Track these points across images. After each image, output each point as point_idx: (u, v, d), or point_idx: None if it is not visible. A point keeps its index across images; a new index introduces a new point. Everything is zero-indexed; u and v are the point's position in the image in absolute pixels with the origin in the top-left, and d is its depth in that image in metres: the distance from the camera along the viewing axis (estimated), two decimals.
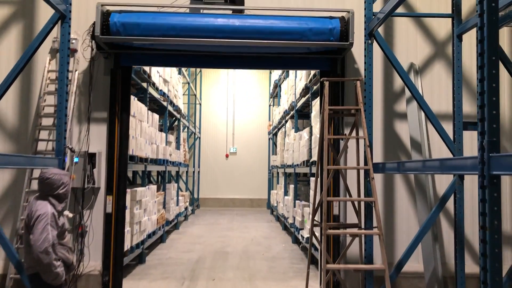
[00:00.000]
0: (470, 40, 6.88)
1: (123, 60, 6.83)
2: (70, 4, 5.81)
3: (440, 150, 6.77)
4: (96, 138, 6.76)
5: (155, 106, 12.83)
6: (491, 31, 3.14)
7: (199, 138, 22.57)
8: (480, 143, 3.19)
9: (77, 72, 6.75)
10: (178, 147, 15.88)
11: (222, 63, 6.95)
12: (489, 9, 3.14)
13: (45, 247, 4.05)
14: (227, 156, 23.34)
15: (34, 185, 6.60)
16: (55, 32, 6.43)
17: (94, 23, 6.44)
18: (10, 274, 6.21)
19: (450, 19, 6.52)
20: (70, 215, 6.04)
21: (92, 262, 6.62)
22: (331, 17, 6.42)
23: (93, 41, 6.66)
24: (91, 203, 6.70)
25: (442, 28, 7.13)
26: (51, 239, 4.12)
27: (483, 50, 3.17)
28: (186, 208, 17.28)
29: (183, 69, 16.99)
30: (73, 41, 6.56)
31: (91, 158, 6.61)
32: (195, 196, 21.73)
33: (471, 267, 6.68)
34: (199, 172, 22.33)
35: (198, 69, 21.68)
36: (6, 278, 6.24)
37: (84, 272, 6.54)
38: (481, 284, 3.17)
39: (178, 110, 15.13)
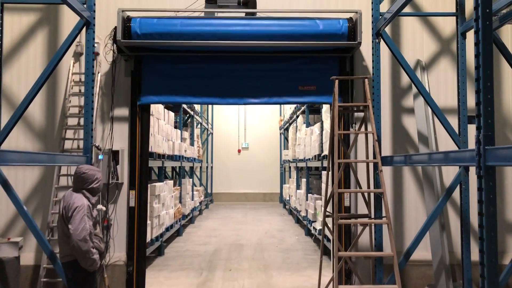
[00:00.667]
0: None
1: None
2: (94, 11, 6.18)
3: (446, 143, 7.05)
4: (118, 136, 7.17)
5: (170, 104, 13.22)
6: (485, 35, 3.44)
7: (212, 134, 22.98)
8: (477, 137, 3.50)
9: (99, 74, 7.15)
10: (192, 143, 16.29)
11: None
12: (484, 15, 3.44)
13: (84, 236, 4.47)
14: (239, 151, 23.73)
15: (63, 181, 7.03)
16: (78, 36, 6.80)
17: (115, 28, 6.83)
18: (43, 264, 6.65)
19: (454, 18, 6.79)
20: (104, 208, 6.48)
21: (117, 253, 7.03)
22: (340, 19, 6.74)
23: (115, 45, 7.05)
24: (115, 198, 7.11)
25: (448, 26, 7.40)
26: (88, 228, 4.53)
27: (479, 52, 3.48)
28: (200, 203, 17.71)
29: None
30: (96, 44, 6.93)
31: (114, 155, 7.02)
32: (209, 191, 22.16)
33: (477, 254, 6.94)
34: (212, 167, 22.76)
35: None
36: (39, 268, 6.68)
37: (110, 262, 6.95)
38: (479, 265, 3.49)
39: (191, 107, 15.52)
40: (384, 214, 6.05)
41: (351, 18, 6.77)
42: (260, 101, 7.30)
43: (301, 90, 7.27)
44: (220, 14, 7.22)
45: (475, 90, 3.54)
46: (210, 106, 22.77)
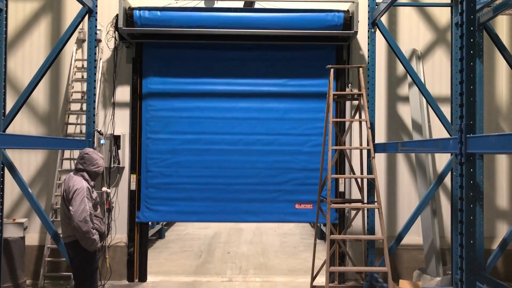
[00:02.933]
0: None
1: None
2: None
3: (440, 131, 7.20)
4: (120, 122, 7.36)
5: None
6: (469, 28, 3.60)
7: None
8: (459, 126, 3.68)
9: (101, 61, 7.31)
10: None
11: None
12: (468, 9, 3.59)
13: (84, 217, 4.68)
14: None
15: (66, 165, 7.25)
16: (80, 23, 6.96)
17: (117, 15, 6.98)
18: (47, 244, 6.90)
19: (450, 8, 6.91)
20: (109, 190, 6.71)
21: (119, 235, 7.28)
22: (337, 11, 6.93)
23: (116, 32, 7.21)
24: (116, 181, 7.33)
25: (443, 15, 7.51)
26: (88, 210, 4.75)
27: (463, 45, 3.64)
28: None
29: None
30: (98, 31, 7.07)
31: (116, 140, 7.22)
32: None
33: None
34: None
35: None
36: (43, 248, 6.93)
37: (112, 243, 7.20)
38: (458, 246, 3.69)
39: None
40: (376, 199, 6.25)
41: (348, 10, 6.92)
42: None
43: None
44: (219, 3, 7.36)
45: (459, 81, 3.71)
46: None
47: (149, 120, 7.36)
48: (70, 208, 4.76)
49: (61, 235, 5.35)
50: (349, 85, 7.33)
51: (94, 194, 5.06)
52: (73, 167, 7.16)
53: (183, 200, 7.32)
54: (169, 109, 7.38)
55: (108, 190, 6.86)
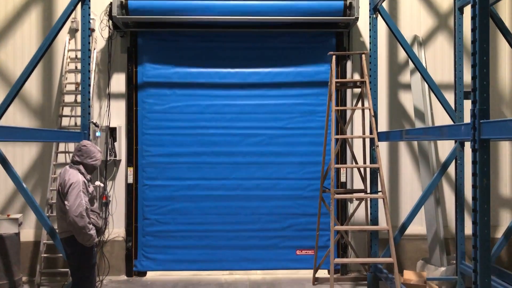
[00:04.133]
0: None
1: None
2: None
3: (442, 119, 7.09)
4: (116, 113, 7.17)
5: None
6: (482, 8, 3.45)
7: None
8: (472, 111, 3.54)
9: (95, 51, 7.11)
10: None
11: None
12: None
13: (80, 211, 4.51)
14: None
15: (61, 158, 7.06)
16: (73, 12, 6.72)
17: (110, 3, 6.77)
18: (43, 240, 6.73)
19: None
20: (102, 185, 6.54)
21: (116, 229, 7.12)
22: None
23: (110, 21, 7.00)
24: (113, 175, 7.15)
25: (445, 1, 7.36)
26: (84, 204, 4.58)
27: (475, 26, 3.49)
28: None
29: None
30: (91, 21, 6.85)
31: (112, 132, 7.03)
32: None
33: (471, 228, 7.07)
34: None
35: None
36: (39, 244, 6.76)
37: (109, 238, 7.04)
38: (472, 236, 3.57)
39: None
40: (379, 189, 6.13)
41: None
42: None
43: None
44: None
45: (471, 64, 3.56)
46: None
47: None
48: (66, 202, 4.59)
49: (57, 231, 5.19)
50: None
51: (91, 188, 4.89)
52: (68, 160, 6.99)
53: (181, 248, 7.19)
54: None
55: (102, 185, 6.69)
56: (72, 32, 7.17)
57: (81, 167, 4.82)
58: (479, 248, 3.45)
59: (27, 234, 6.98)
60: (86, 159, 4.85)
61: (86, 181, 4.79)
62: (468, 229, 6.63)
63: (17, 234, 6.40)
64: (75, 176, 4.71)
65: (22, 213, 6.83)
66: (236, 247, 7.17)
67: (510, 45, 6.49)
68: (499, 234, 7.12)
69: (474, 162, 3.54)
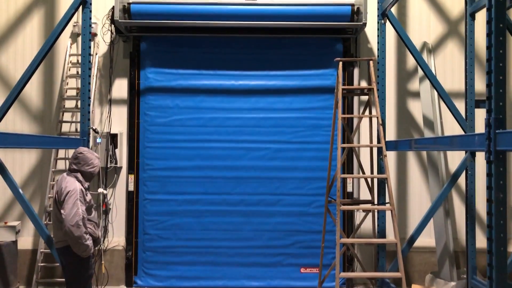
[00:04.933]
0: (483, 18, 6.84)
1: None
2: None
3: (452, 128, 6.88)
4: (117, 119, 7.02)
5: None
6: (498, 12, 3.26)
7: None
8: (487, 120, 3.34)
9: (97, 56, 6.98)
10: None
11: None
12: None
13: (76, 221, 4.35)
14: None
15: (60, 165, 6.91)
16: (75, 16, 6.62)
17: (113, 8, 6.64)
18: (40, 249, 6.57)
19: None
20: (105, 191, 6.38)
21: (116, 238, 6.94)
22: (345, 4, 6.59)
23: (113, 25, 6.87)
24: (113, 182, 6.99)
25: (455, 6, 7.17)
26: (81, 214, 4.41)
27: (491, 31, 3.30)
28: None
29: None
30: (93, 25, 6.73)
31: (113, 138, 6.88)
32: None
33: (482, 241, 6.82)
34: None
35: None
36: (37, 253, 6.60)
37: (109, 247, 6.87)
38: (487, 254, 3.36)
39: None
40: (387, 200, 5.92)
41: (353, 4, 6.59)
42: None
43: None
44: None
45: (486, 71, 3.37)
46: None
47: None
48: (62, 211, 4.43)
49: (53, 240, 5.04)
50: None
51: (88, 197, 4.72)
52: (67, 167, 6.83)
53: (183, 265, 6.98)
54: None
55: (105, 191, 6.53)
56: (74, 36, 7.06)
57: (78, 175, 4.67)
58: (495, 266, 3.24)
59: (25, 242, 6.83)
60: (83, 166, 4.69)
61: (83, 189, 4.62)
62: (479, 242, 6.45)
63: (15, 242, 6.27)
64: (72, 184, 4.55)
65: (20, 221, 6.68)
66: (238, 264, 6.95)
67: None
68: (510, 248, 6.87)
69: (489, 175, 3.34)
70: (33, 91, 7.01)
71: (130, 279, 6.90)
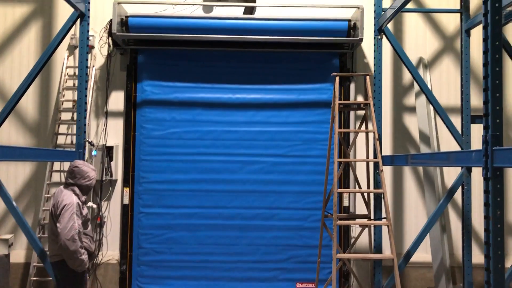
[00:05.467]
0: (478, 35, 6.87)
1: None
2: (89, 3, 5.99)
3: (448, 143, 6.90)
4: (113, 132, 7.00)
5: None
6: (494, 30, 3.29)
7: None
8: (484, 137, 3.35)
9: (94, 68, 6.97)
10: None
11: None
12: (493, 9, 3.29)
13: (72, 235, 4.30)
14: None
15: (55, 177, 6.86)
16: (73, 29, 6.62)
17: (111, 20, 6.66)
18: (33, 263, 6.48)
19: (458, 14, 6.63)
20: (94, 206, 6.31)
21: (110, 251, 6.87)
22: (342, 19, 6.67)
23: (110, 38, 6.88)
24: (108, 195, 6.94)
25: (451, 23, 7.24)
26: (77, 227, 4.37)
27: (487, 49, 3.32)
28: None
29: None
30: (90, 37, 6.73)
31: (108, 151, 6.85)
32: None
33: (478, 257, 6.81)
34: None
35: None
36: (30, 267, 6.51)
37: (103, 261, 6.79)
38: (484, 271, 3.34)
39: None
40: (384, 215, 5.90)
41: (350, 20, 6.66)
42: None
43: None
44: (218, 9, 7.05)
45: (483, 88, 3.39)
46: None
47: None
48: (58, 225, 4.39)
49: (48, 253, 4.97)
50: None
51: (85, 211, 4.69)
52: (63, 179, 6.80)
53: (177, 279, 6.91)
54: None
55: (94, 206, 6.47)
56: (71, 48, 7.06)
57: (75, 188, 4.64)
58: (493, 284, 3.22)
59: (18, 255, 6.74)
60: (80, 180, 4.66)
61: (80, 203, 4.59)
62: (475, 258, 6.43)
63: (7, 256, 6.16)
64: (69, 198, 4.52)
65: (13, 234, 6.60)
66: (234, 278, 6.88)
67: None
68: (508, 263, 6.85)
69: (486, 192, 3.33)
70: (29, 103, 6.99)
71: None
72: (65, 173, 4.84)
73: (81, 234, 4.47)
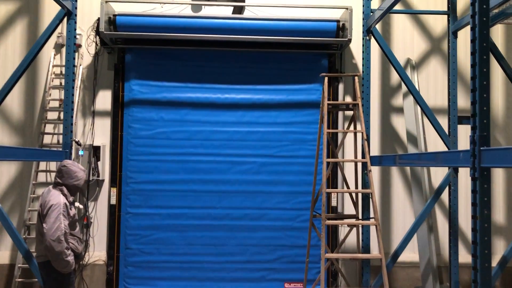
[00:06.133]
0: (465, 36, 7.03)
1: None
2: (76, 1, 5.93)
3: (435, 143, 6.96)
4: (100, 132, 6.93)
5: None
6: (482, 31, 3.32)
7: None
8: (471, 138, 3.37)
9: (81, 67, 6.90)
10: None
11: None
12: (481, 11, 3.32)
13: (58, 236, 4.24)
14: None
15: (41, 177, 6.77)
16: (60, 27, 6.55)
17: (98, 19, 6.60)
18: (18, 264, 6.39)
19: (446, 16, 6.69)
20: (81, 206, 6.24)
21: (97, 252, 6.80)
22: (330, 20, 6.68)
23: (98, 37, 6.81)
24: (95, 195, 6.87)
25: (438, 24, 7.30)
26: (63, 228, 4.31)
27: (475, 50, 3.35)
28: None
29: None
30: (78, 36, 6.66)
31: (95, 151, 6.78)
32: None
33: (465, 256, 6.89)
34: None
35: None
36: (15, 268, 6.41)
37: (90, 262, 6.72)
38: (472, 270, 3.37)
39: None
40: (372, 215, 5.93)
41: (338, 20, 6.68)
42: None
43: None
44: (206, 9, 7.02)
45: (471, 89, 3.42)
46: None
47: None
48: (44, 225, 4.33)
49: (34, 254, 4.90)
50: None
51: (73, 211, 4.62)
52: (49, 179, 6.74)
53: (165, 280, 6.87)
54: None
55: (81, 206, 6.41)
56: (58, 47, 6.97)
57: (63, 188, 4.58)
58: (480, 283, 3.25)
59: (2, 256, 6.66)
60: (67, 180, 4.60)
61: (67, 203, 4.52)
62: (462, 257, 6.49)
63: None
64: (56, 198, 4.46)
65: None
66: (222, 279, 6.86)
67: (503, 70, 6.42)
68: (494, 262, 6.87)
69: (473, 191, 3.36)
70: (14, 102, 6.89)
71: None
72: (55, 174, 4.77)
73: (67, 235, 4.41)
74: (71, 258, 4.39)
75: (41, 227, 4.40)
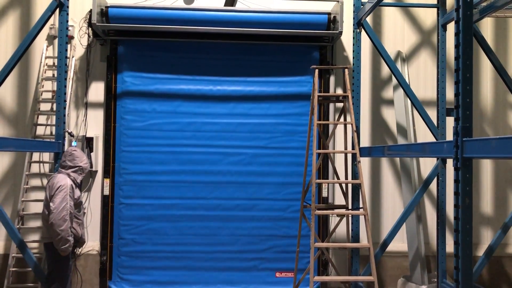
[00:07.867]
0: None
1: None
2: None
3: (425, 135, 7.06)
4: (93, 123, 6.98)
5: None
6: (466, 25, 3.39)
7: None
8: (455, 129, 3.47)
9: (74, 59, 6.93)
10: None
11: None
12: (465, 5, 3.39)
13: (63, 215, 4.64)
14: None
15: (34, 168, 6.82)
16: (52, 19, 6.56)
17: (90, 10, 6.62)
18: (12, 254, 6.45)
19: (435, 9, 6.76)
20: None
21: (90, 242, 6.87)
22: (322, 12, 6.74)
23: (90, 28, 6.84)
24: (89, 186, 6.93)
25: (428, 17, 7.38)
26: (68, 208, 4.72)
27: (459, 43, 3.43)
28: None
29: None
30: (70, 28, 6.68)
31: (88, 142, 6.83)
32: None
33: (452, 246, 6.99)
34: None
35: None
36: (9, 258, 6.47)
37: (83, 252, 6.79)
38: (454, 257, 3.47)
39: None
40: (361, 205, 6.03)
41: (330, 12, 6.73)
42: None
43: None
44: (198, 1, 7.05)
45: (455, 81, 3.50)
46: None
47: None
48: (51, 204, 4.69)
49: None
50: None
51: (77, 193, 4.99)
52: (42, 170, 6.79)
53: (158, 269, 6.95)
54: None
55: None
56: (50, 38, 6.99)
57: (70, 172, 4.99)
58: (461, 269, 3.35)
59: None
60: (78, 162, 5.12)
61: (73, 185, 4.94)
62: (450, 247, 6.62)
63: None
64: (63, 179, 4.88)
65: None
66: (214, 268, 6.96)
67: (491, 63, 6.51)
68: (480, 252, 7.06)
69: (456, 181, 3.46)
70: (7, 93, 6.91)
71: (104, 285, 6.83)
72: (61, 159, 5.22)
73: (72, 215, 4.78)
74: (71, 239, 4.71)
75: (48, 209, 4.75)
